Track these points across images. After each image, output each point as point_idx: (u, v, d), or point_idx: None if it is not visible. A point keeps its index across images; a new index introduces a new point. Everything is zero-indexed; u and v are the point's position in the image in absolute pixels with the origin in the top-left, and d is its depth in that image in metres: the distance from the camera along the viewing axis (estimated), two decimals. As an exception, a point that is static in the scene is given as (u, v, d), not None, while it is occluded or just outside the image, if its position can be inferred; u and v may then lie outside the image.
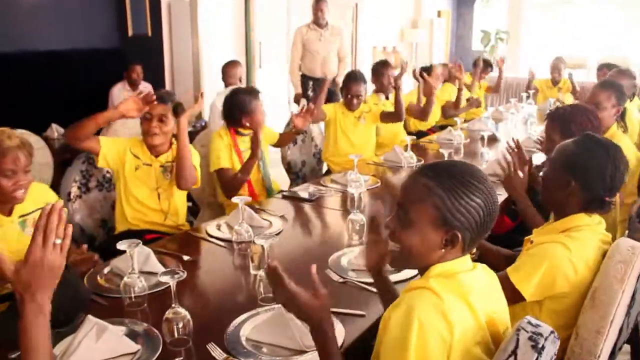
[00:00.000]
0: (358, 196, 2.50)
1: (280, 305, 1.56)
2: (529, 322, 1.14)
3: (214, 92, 4.83)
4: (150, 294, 1.75)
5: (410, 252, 1.26)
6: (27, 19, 5.21)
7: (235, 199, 2.19)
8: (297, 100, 5.80)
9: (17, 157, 1.96)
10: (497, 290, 1.33)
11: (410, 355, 1.12)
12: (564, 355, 1.59)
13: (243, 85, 4.65)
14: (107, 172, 2.79)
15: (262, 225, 2.41)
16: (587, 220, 1.70)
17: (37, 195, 2.13)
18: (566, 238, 1.64)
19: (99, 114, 2.46)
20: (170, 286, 1.50)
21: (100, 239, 2.75)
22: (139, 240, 1.71)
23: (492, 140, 4.13)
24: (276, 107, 6.45)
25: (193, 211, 3.16)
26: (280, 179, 3.52)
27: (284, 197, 2.90)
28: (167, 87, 6.38)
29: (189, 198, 2.98)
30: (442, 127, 4.83)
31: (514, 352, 1.11)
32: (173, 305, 1.51)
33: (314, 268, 1.30)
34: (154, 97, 2.53)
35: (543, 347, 1.09)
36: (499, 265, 1.76)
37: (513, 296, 1.60)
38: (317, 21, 5.66)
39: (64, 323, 1.51)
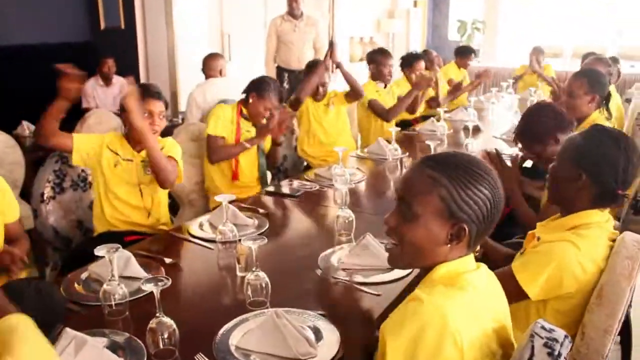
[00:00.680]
0: (345, 192, 2.42)
1: (271, 311, 1.48)
2: (543, 327, 1.07)
3: (190, 85, 4.70)
4: (131, 301, 1.65)
5: (414, 249, 1.18)
6: (-6, 13, 5.03)
7: (218, 198, 2.08)
8: None
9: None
10: (499, 290, 1.27)
11: None
12: (568, 354, 1.53)
13: (224, 77, 4.53)
14: (82, 171, 2.67)
15: (246, 224, 2.31)
16: (596, 217, 1.63)
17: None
18: (575, 237, 1.57)
19: (50, 106, 2.30)
20: (152, 292, 1.40)
21: (77, 240, 2.63)
22: (119, 245, 1.59)
23: (476, 130, 4.07)
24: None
25: (172, 208, 3.05)
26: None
27: (267, 193, 2.81)
28: (142, 80, 6.22)
29: (168, 195, 2.86)
30: (425, 118, 4.75)
31: None
32: (157, 314, 1.42)
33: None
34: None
35: (559, 355, 1.03)
36: (497, 263, 1.69)
37: (517, 295, 1.54)
38: (292, 12, 5.56)
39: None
